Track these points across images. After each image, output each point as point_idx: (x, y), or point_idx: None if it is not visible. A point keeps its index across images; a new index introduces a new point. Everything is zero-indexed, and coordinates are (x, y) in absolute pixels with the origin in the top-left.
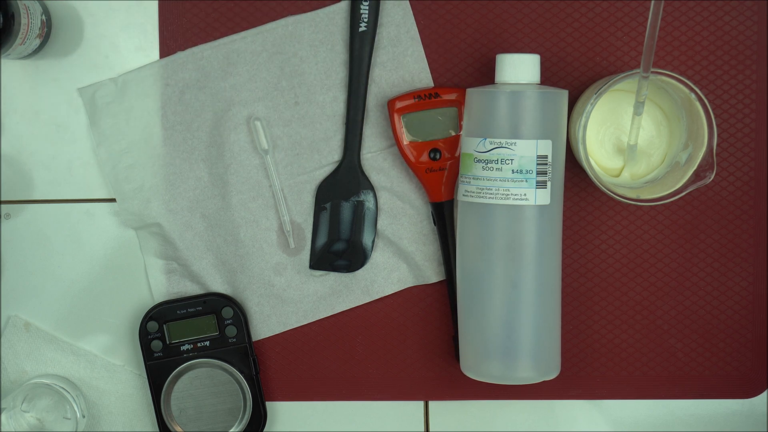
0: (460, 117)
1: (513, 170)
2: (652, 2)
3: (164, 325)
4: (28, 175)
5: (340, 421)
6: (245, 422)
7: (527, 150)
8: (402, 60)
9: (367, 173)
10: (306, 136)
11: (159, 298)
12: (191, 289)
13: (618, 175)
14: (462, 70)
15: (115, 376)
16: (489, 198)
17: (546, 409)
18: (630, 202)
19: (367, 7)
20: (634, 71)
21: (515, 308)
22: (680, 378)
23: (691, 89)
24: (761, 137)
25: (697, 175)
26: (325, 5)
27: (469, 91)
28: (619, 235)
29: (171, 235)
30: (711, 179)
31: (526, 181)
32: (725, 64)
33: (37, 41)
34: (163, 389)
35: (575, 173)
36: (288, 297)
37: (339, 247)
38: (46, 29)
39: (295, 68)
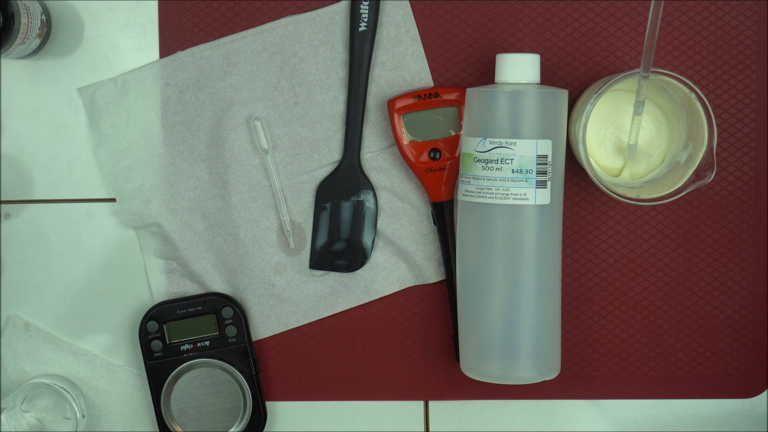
0: (460, 117)
1: (513, 170)
2: (652, 2)
3: (164, 325)
4: (28, 175)
5: (340, 421)
6: (245, 422)
7: (527, 150)
8: (402, 60)
9: (367, 173)
10: (306, 136)
11: (159, 298)
12: (191, 289)
13: (618, 175)
14: (462, 70)
15: (115, 376)
16: (489, 198)
17: (546, 409)
18: (630, 202)
19: (367, 7)
20: (634, 71)
21: (515, 308)
22: (680, 378)
23: (691, 89)
24: (761, 137)
25: (697, 174)
26: (325, 5)
27: (469, 90)
28: (619, 235)
29: (171, 235)
30: (711, 179)
31: (526, 180)
32: (725, 64)
33: (37, 41)
34: (163, 389)
35: (575, 173)
36: (288, 297)
37: (339, 246)
38: (46, 29)
39: (295, 68)
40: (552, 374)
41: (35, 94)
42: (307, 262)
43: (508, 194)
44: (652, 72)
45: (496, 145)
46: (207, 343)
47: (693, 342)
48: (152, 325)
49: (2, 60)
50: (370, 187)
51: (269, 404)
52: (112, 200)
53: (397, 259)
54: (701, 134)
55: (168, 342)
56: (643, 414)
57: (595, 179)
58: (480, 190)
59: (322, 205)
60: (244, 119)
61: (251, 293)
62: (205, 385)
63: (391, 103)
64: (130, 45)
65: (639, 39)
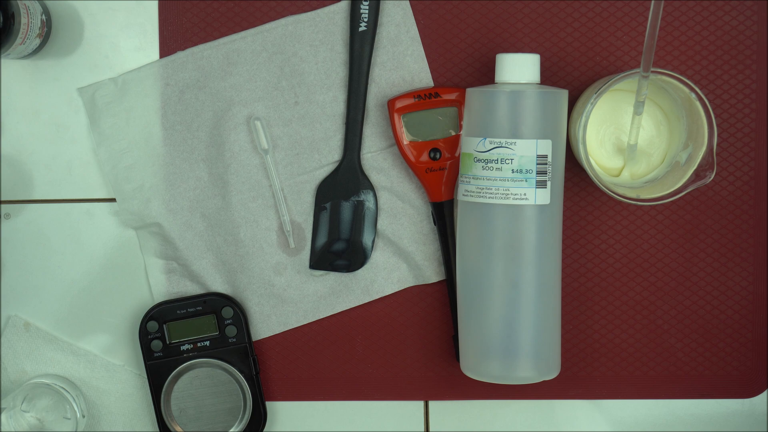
0: (460, 117)
1: (513, 170)
2: (652, 2)
3: (164, 325)
4: (28, 175)
5: (340, 421)
6: (245, 422)
7: (527, 150)
8: (402, 60)
9: (367, 173)
10: (306, 136)
11: (159, 298)
12: (191, 289)
13: (618, 175)
14: (462, 70)
15: (115, 376)
16: (489, 198)
17: (546, 409)
18: (630, 202)
19: (367, 7)
20: (634, 71)
21: (515, 308)
22: (680, 378)
23: (691, 89)
24: (761, 137)
25: (697, 174)
26: (325, 5)
27: (469, 90)
28: (619, 235)
29: (171, 235)
30: (711, 179)
31: (526, 180)
32: (725, 64)
33: (37, 41)
34: (163, 389)
35: (575, 173)
36: (288, 297)
37: (339, 246)
38: (46, 29)
39: (295, 68)
40: (552, 374)
41: (35, 94)
42: (307, 262)
43: (508, 194)
44: (652, 72)
45: (496, 145)
46: (207, 343)
47: (693, 342)
48: (152, 325)
49: (2, 60)
50: (370, 187)
51: (269, 404)
52: (112, 200)
53: (397, 259)
54: (701, 134)
55: (168, 342)
56: (643, 414)
57: (595, 179)
58: (480, 190)
59: (322, 205)
60: (244, 119)
61: (251, 293)
62: (205, 385)
63: (391, 103)
64: (130, 45)
65: (639, 39)
